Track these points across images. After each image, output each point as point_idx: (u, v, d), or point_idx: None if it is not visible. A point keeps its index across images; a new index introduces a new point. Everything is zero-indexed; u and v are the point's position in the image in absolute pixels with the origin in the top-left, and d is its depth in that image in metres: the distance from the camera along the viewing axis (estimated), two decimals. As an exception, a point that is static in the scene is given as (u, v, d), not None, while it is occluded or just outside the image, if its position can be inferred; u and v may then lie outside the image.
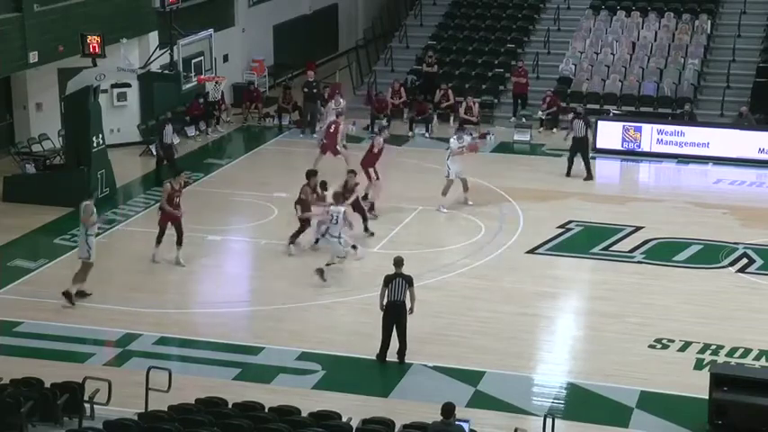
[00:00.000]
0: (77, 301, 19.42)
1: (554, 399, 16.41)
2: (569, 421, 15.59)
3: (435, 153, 28.47)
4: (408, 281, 17.26)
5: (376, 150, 24.75)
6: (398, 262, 17.44)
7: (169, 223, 21.42)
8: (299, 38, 38.19)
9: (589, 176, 26.96)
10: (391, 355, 17.40)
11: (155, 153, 27.57)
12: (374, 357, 17.47)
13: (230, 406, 14.35)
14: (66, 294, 19.38)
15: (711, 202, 25.48)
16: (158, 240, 21.56)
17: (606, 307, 19.62)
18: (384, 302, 17.30)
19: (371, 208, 24.08)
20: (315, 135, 30.75)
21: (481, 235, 23.02)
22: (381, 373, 17.16)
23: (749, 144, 28.67)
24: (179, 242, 21.43)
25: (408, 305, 17.28)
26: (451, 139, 25.04)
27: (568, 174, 27.08)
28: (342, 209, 20.77)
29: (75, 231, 23.21)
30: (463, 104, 31.05)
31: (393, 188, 26.25)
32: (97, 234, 23.16)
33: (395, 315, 17.22)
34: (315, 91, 31.21)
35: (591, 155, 28.66)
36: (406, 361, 17.33)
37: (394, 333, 17.31)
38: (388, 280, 17.26)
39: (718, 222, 24.07)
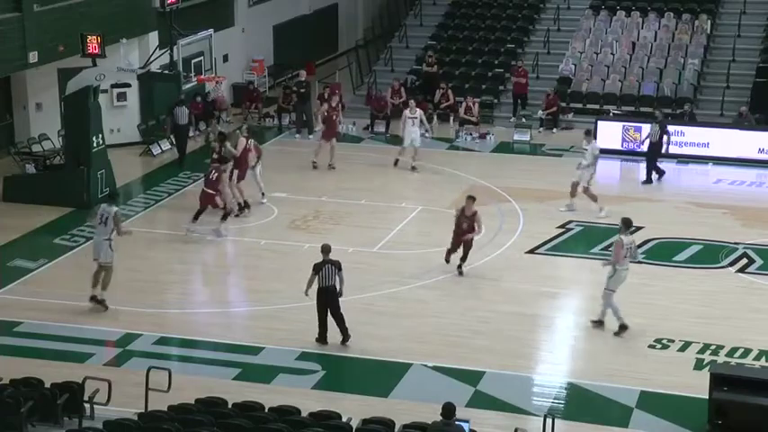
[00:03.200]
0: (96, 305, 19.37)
1: (554, 399, 16.41)
2: (569, 421, 15.59)
3: (435, 153, 28.45)
4: (338, 266, 17.73)
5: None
6: (326, 249, 17.91)
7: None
8: (298, 38, 38.20)
9: (648, 180, 27.09)
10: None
11: (173, 142, 28.35)
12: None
13: (230, 406, 14.35)
14: (96, 300, 19.33)
15: (711, 202, 25.48)
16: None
17: (606, 307, 19.61)
18: (313, 288, 17.73)
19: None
20: (310, 136, 30.74)
21: (481, 235, 22.99)
22: (381, 373, 17.15)
23: (749, 144, 28.68)
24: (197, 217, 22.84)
25: (338, 288, 17.76)
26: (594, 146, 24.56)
27: (648, 180, 27.09)
28: (634, 238, 19.00)
29: (75, 231, 23.32)
30: (463, 104, 31.06)
31: (393, 188, 26.28)
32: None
33: (326, 300, 17.69)
34: (303, 91, 31.13)
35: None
36: (406, 361, 17.35)
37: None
38: (318, 267, 17.70)
39: (718, 222, 24.07)
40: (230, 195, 23.77)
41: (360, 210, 24.73)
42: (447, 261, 21.12)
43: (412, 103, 28.30)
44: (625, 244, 18.40)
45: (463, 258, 20.89)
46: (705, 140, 28.93)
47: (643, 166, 27.64)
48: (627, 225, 18.68)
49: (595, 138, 29.09)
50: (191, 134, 30.58)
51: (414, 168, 27.29)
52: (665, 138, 27.00)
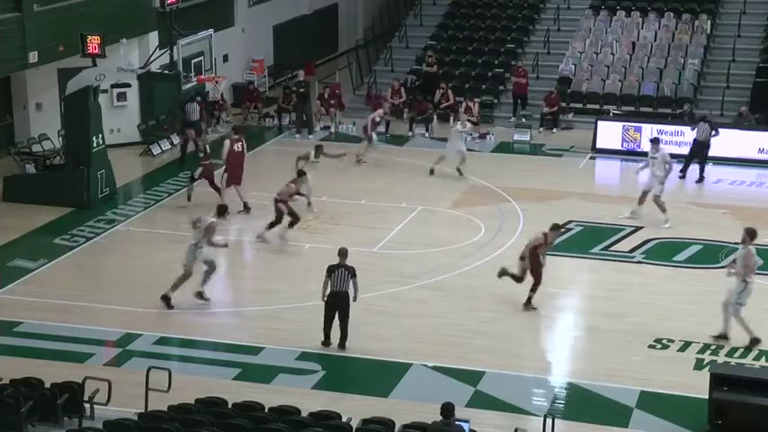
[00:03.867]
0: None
1: (554, 399, 16.41)
2: (569, 421, 15.59)
3: (435, 153, 28.43)
4: (351, 271, 17.59)
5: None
6: (342, 253, 17.78)
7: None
8: (298, 38, 38.21)
9: (701, 179, 27.16)
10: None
11: (178, 140, 28.59)
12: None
13: (230, 406, 14.35)
14: (164, 298, 19.43)
15: (711, 202, 25.49)
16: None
17: (606, 307, 19.61)
18: (327, 292, 17.62)
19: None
20: (310, 136, 30.73)
21: (481, 235, 23.01)
22: (381, 373, 17.15)
23: (749, 144, 28.69)
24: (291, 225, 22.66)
25: (352, 294, 17.66)
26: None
27: (683, 176, 27.14)
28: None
29: (75, 231, 23.32)
30: (463, 104, 31.06)
31: (393, 188, 26.28)
32: (97, 233, 23.37)
33: (336, 304, 17.57)
34: (302, 91, 31.11)
35: (591, 155, 28.78)
36: (406, 361, 17.35)
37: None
38: (331, 270, 17.59)
39: (718, 222, 24.06)
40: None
41: (360, 210, 24.73)
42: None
43: (463, 117, 28.40)
44: (753, 254, 17.81)
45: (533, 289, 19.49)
46: (705, 140, 28.88)
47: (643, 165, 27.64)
48: (753, 236, 18.08)
49: (596, 138, 29.33)
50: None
51: (459, 172, 27.05)
52: (711, 138, 27.07)
